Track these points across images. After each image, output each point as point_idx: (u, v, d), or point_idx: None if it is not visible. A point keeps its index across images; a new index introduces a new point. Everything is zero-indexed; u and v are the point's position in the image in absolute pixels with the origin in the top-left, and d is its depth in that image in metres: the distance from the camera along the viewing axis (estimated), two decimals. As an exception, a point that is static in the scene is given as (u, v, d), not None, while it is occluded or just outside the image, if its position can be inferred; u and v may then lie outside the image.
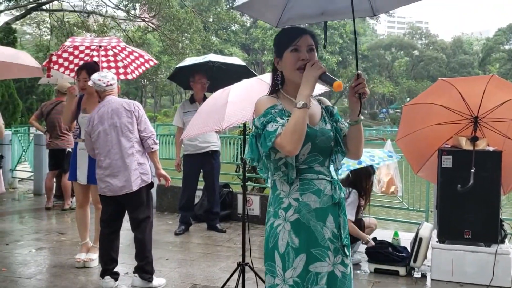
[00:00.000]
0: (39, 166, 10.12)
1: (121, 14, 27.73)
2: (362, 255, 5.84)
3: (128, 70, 6.25)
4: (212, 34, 46.41)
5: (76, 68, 5.98)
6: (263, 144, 2.44)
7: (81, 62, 5.95)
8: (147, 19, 27.04)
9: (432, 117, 5.30)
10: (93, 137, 4.76)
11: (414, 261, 5.31)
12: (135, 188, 4.66)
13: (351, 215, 5.45)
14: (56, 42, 25.74)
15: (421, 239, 5.30)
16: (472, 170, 4.82)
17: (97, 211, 5.37)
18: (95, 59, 5.93)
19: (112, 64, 6.14)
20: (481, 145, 5.06)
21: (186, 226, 7.27)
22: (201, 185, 7.63)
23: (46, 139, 8.85)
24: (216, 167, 7.31)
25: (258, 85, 4.19)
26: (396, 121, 53.54)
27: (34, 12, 25.79)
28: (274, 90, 2.64)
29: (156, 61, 6.61)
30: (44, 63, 6.21)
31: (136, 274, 4.83)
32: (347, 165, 5.37)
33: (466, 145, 5.06)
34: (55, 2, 23.97)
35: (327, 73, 2.44)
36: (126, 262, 5.43)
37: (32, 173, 10.90)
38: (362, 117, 2.58)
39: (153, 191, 7.14)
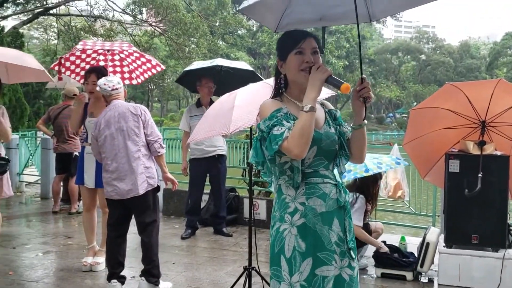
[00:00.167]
0: (46, 170, 10.15)
1: (128, 18, 27.84)
2: (369, 260, 5.83)
3: (134, 75, 6.25)
4: (219, 38, 46.54)
5: (82, 72, 6.01)
6: (268, 148, 2.43)
7: (87, 66, 5.97)
8: (153, 24, 27.14)
9: (439, 122, 5.28)
10: (99, 141, 4.77)
11: (421, 266, 5.29)
12: (141, 191, 4.66)
13: (359, 221, 5.44)
14: (63, 47, 25.85)
15: (428, 243, 5.27)
16: (480, 175, 4.80)
17: (104, 214, 5.38)
18: (101, 63, 5.95)
19: (118, 69, 6.15)
20: (489, 149, 5.03)
21: (192, 230, 7.27)
22: (207, 189, 7.63)
23: (53, 143, 8.87)
24: (222, 171, 7.31)
25: (265, 89, 4.18)
26: (403, 126, 53.43)
27: (41, 17, 25.88)
28: (278, 93, 2.64)
29: (163, 67, 6.60)
30: (52, 66, 6.24)
31: (143, 278, 4.83)
32: (354, 173, 5.36)
33: (473, 149, 5.04)
34: (62, 7, 24.07)
35: (333, 75, 2.44)
36: (132, 266, 5.44)
37: (39, 177, 10.93)
38: (366, 122, 2.58)
39: (160, 195, 7.15)
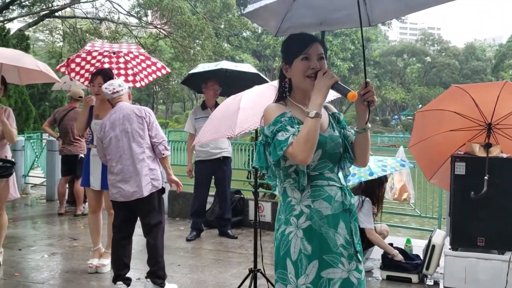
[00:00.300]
0: (51, 172, 10.18)
1: (133, 20, 27.95)
2: (374, 262, 5.82)
3: (137, 78, 6.25)
4: (224, 40, 46.60)
5: (86, 74, 6.03)
6: (272, 153, 2.43)
7: (92, 69, 5.98)
8: (159, 26, 27.21)
9: (445, 124, 5.27)
10: (104, 143, 4.79)
11: (427, 269, 5.28)
12: (146, 193, 4.67)
13: (369, 223, 5.45)
14: (68, 49, 25.96)
15: (433, 246, 5.26)
16: (486, 177, 4.78)
17: (110, 216, 5.39)
18: (106, 65, 5.96)
19: (122, 72, 6.16)
20: (495, 152, 5.02)
21: (197, 232, 7.27)
22: (212, 191, 7.64)
23: (59, 145, 8.90)
24: (227, 173, 7.32)
25: (270, 91, 4.17)
26: (408, 128, 53.36)
27: (47, 19, 26.04)
28: (282, 97, 2.63)
29: (168, 70, 6.60)
30: (58, 67, 6.25)
31: (148, 279, 4.84)
32: (359, 177, 5.36)
33: (479, 151, 5.03)
34: (68, 9, 24.22)
35: (339, 82, 2.43)
36: (138, 268, 5.44)
37: (44, 179, 10.97)
38: (369, 125, 2.57)
39: (165, 197, 7.14)
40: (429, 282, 5.39)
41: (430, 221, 7.78)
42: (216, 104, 6.86)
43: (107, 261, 5.53)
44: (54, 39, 37.13)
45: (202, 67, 7.28)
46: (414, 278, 5.32)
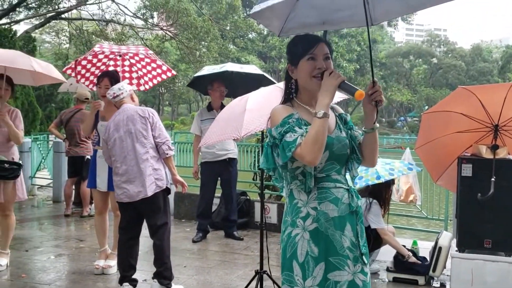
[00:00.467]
0: (58, 173, 10.21)
1: (139, 22, 27.99)
2: (381, 264, 5.81)
3: (142, 81, 6.26)
4: (230, 42, 46.65)
5: (91, 77, 6.05)
6: (281, 155, 2.42)
7: (97, 71, 6.00)
8: (165, 28, 27.24)
9: (452, 125, 5.25)
10: (109, 145, 4.82)
11: (433, 270, 5.26)
12: (150, 193, 4.68)
13: (381, 223, 5.45)
14: (74, 51, 26.05)
15: (440, 248, 5.25)
16: (493, 179, 4.76)
17: (116, 218, 5.40)
18: (111, 68, 5.97)
19: (127, 75, 6.16)
20: (502, 153, 4.99)
21: (203, 234, 7.27)
22: (218, 192, 7.64)
23: (65, 146, 8.92)
24: (233, 175, 7.32)
25: (276, 93, 4.16)
26: (414, 129, 53.25)
27: (53, 21, 26.12)
28: (288, 98, 2.62)
29: (174, 72, 6.60)
30: (64, 69, 6.27)
31: (155, 280, 4.86)
32: (366, 180, 5.35)
33: (486, 153, 5.00)
34: (74, 11, 24.29)
35: (346, 81, 2.43)
36: (144, 269, 5.45)
37: (51, 180, 11.00)
38: (377, 125, 2.56)
39: (171, 198, 7.15)
40: (436, 284, 5.37)
41: (437, 223, 7.78)
42: (222, 106, 6.87)
43: (113, 263, 5.55)
44: (60, 41, 37.31)
45: (207, 69, 7.28)
46: (421, 280, 5.30)
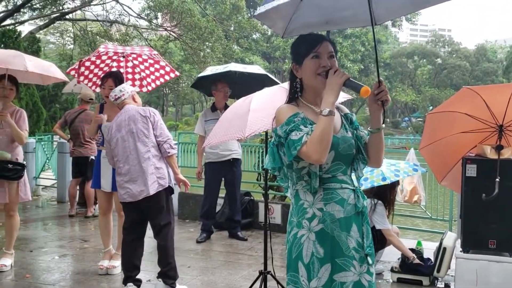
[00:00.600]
0: (62, 174, 10.22)
1: (143, 23, 28.02)
2: (385, 265, 5.80)
3: (144, 82, 6.26)
4: (234, 42, 46.59)
5: (94, 79, 6.06)
6: (287, 153, 2.41)
7: (100, 73, 6.01)
8: (169, 28, 27.26)
9: (456, 126, 5.24)
10: (112, 145, 4.83)
11: (438, 271, 5.25)
12: (152, 191, 4.68)
13: (386, 224, 5.44)
14: (79, 51, 26.08)
15: (445, 248, 5.24)
16: (497, 179, 4.75)
17: (120, 218, 5.41)
18: (114, 69, 5.97)
19: (130, 76, 6.16)
20: (506, 154, 4.98)
21: (207, 234, 7.27)
22: (222, 193, 7.64)
23: (69, 147, 8.93)
24: (237, 175, 7.32)
25: (280, 93, 4.18)
26: (418, 130, 53.15)
27: (58, 22, 26.13)
28: (293, 98, 2.62)
29: (177, 73, 6.60)
30: (68, 70, 6.27)
31: (159, 279, 4.87)
32: (371, 181, 5.34)
33: (490, 154, 4.99)
34: (78, 12, 24.32)
35: (351, 78, 2.42)
36: (148, 269, 5.45)
37: (55, 181, 11.02)
38: (383, 125, 2.55)
39: (175, 198, 7.16)
40: (440, 284, 5.36)
41: (441, 223, 7.76)
42: (226, 106, 6.86)
43: (117, 263, 5.55)
44: (64, 42, 37.34)
45: (210, 70, 7.28)
46: (425, 280, 5.29)
